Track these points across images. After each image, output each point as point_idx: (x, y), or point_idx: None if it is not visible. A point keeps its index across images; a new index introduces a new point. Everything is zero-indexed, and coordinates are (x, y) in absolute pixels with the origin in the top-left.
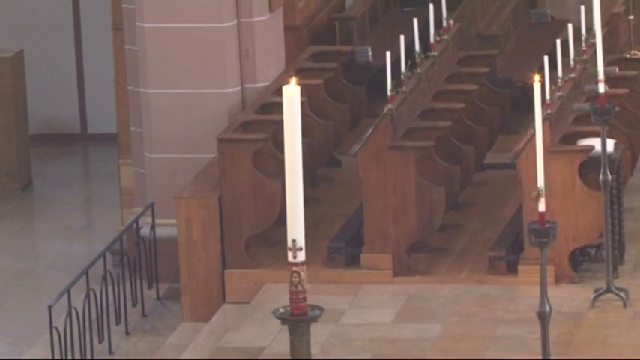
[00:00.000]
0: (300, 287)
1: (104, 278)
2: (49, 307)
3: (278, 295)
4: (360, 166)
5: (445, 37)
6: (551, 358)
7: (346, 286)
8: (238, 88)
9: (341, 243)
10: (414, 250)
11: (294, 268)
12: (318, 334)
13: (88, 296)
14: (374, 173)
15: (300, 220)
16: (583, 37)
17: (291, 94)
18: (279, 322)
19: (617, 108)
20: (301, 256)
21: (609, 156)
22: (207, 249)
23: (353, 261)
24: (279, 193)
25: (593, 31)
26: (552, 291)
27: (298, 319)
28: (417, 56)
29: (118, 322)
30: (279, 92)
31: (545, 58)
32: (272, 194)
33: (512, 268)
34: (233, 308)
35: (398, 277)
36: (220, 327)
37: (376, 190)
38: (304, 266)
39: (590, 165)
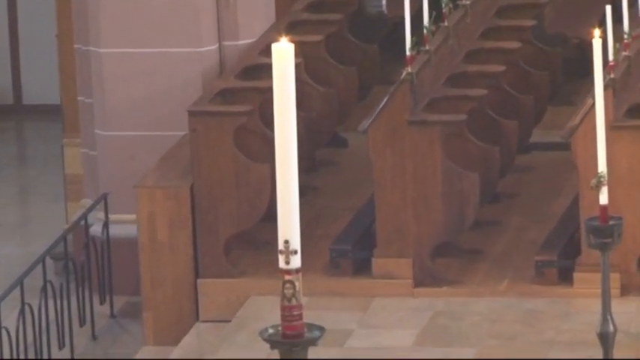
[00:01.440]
0: (294, 301)
1: (43, 290)
2: None
3: (266, 312)
4: (371, 147)
5: None
6: None
7: (354, 300)
8: (215, 46)
9: (347, 245)
10: (441, 254)
11: (287, 277)
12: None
13: (22, 313)
14: (389, 155)
15: (294, 215)
16: None
17: (283, 54)
18: (267, 345)
19: None
20: (296, 261)
21: None
22: (176, 252)
23: (362, 268)
24: (267, 181)
25: None
26: (617, 306)
27: (292, 342)
28: (443, 5)
29: (61, 347)
30: (267, 52)
31: (608, 8)
32: (259, 182)
33: (565, 277)
34: (209, 328)
35: (420, 289)
36: (193, 352)
37: (392, 177)
38: (300, 274)
39: None
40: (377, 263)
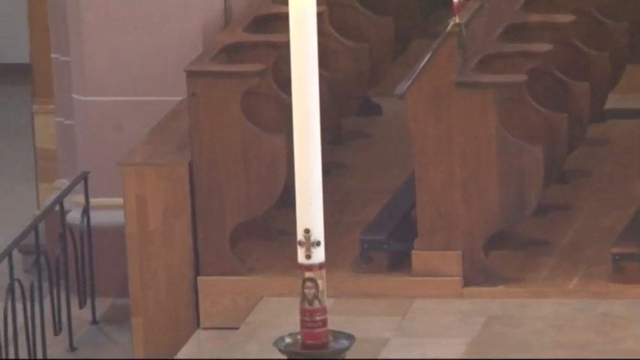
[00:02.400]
0: (317, 304)
1: (10, 290)
2: None
3: (282, 317)
4: (410, 115)
5: None
6: None
7: (390, 303)
8: None
9: (381, 235)
10: (496, 246)
11: (309, 274)
12: None
13: None
14: (432, 126)
15: (316, 199)
16: None
17: (302, 0)
18: (283, 358)
19: None
20: (319, 255)
21: None
22: (171, 245)
23: (400, 263)
24: (283, 156)
25: None
26: None
27: (315, 354)
28: None
29: (32, 358)
30: None
31: None
32: (272, 159)
33: None
34: (212, 337)
35: (470, 288)
36: None
37: (435, 151)
38: (324, 271)
39: None
40: (418, 257)
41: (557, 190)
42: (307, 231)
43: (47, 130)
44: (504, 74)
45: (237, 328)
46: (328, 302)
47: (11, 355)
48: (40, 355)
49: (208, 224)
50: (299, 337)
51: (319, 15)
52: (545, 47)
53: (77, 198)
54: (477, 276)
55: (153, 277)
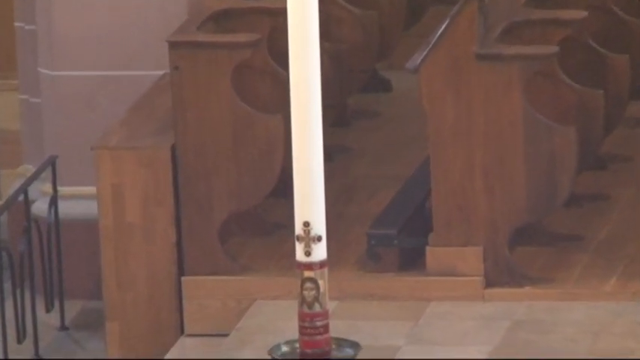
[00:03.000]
0: (317, 307)
1: None
2: None
3: (278, 322)
4: (425, 92)
5: None
6: None
7: (401, 306)
8: None
9: (391, 228)
10: (523, 241)
11: (308, 274)
12: None
13: None
14: (449, 104)
15: (317, 187)
16: None
17: None
18: None
19: None
20: (320, 251)
21: None
22: (151, 240)
23: (412, 261)
24: (280, 139)
25: None
26: None
27: None
28: None
29: None
30: None
31: None
32: (267, 142)
33: None
34: (198, 345)
35: (493, 290)
36: None
37: (454, 133)
38: (326, 270)
39: None
40: (433, 254)
41: (592, 178)
42: (307, 224)
43: (10, 109)
44: (532, 45)
45: (227, 335)
46: (330, 305)
47: None
48: None
49: (194, 216)
50: (297, 345)
51: None
52: (579, 14)
53: (44, 186)
54: (500, 275)
55: (131, 277)
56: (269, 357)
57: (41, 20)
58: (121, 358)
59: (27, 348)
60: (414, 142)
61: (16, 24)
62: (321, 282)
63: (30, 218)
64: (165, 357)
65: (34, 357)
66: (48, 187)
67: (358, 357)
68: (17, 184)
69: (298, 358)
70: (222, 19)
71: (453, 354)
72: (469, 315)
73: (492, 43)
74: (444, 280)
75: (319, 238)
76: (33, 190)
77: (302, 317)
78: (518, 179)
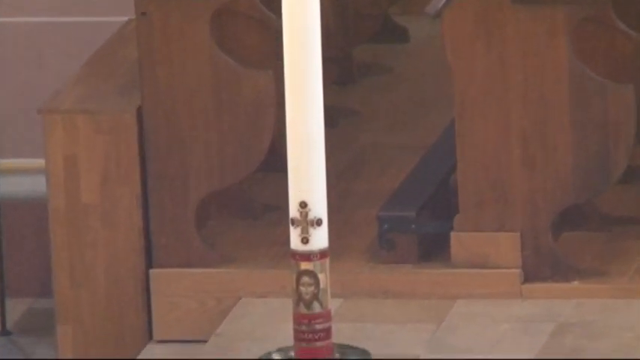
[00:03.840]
0: (317, 307)
1: None
2: None
3: (268, 326)
4: (448, 42)
5: None
6: None
7: (420, 305)
8: None
9: (407, 210)
10: (570, 226)
11: (306, 266)
12: None
13: None
14: (479, 56)
15: (316, 160)
16: None
17: None
18: None
19: None
20: (320, 238)
21: None
22: (113, 225)
23: (434, 249)
24: (270, 100)
25: None
26: None
27: None
28: None
29: None
30: None
31: None
32: (255, 104)
33: None
34: (170, 353)
35: (533, 285)
36: None
37: (484, 93)
38: (327, 261)
39: None
40: (459, 241)
41: None
42: (304, 205)
43: None
44: None
45: (204, 342)
46: (333, 305)
47: None
48: None
49: (165, 196)
50: (292, 354)
51: None
52: None
53: None
54: (542, 267)
55: (87, 271)
56: None
57: None
58: None
59: None
60: (435, 104)
61: None
62: (321, 276)
63: None
64: None
65: None
66: None
67: None
68: None
69: None
70: None
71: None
72: (503, 316)
73: None
74: (472, 273)
75: (319, 222)
76: None
77: (298, 319)
78: (564, 150)
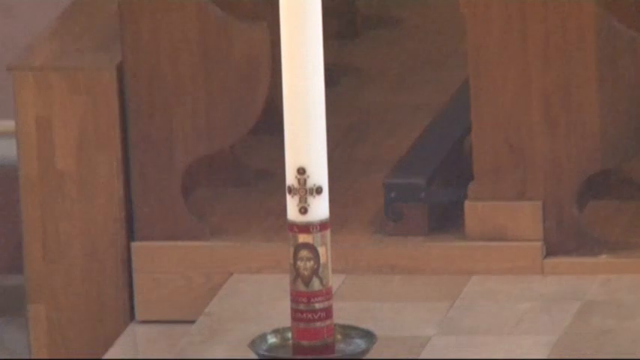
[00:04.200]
0: (317, 284)
1: None
2: None
3: (262, 304)
4: None
5: None
6: None
7: (430, 282)
8: None
9: (416, 177)
10: (597, 194)
11: (304, 239)
12: None
13: None
14: (495, 6)
15: (315, 122)
16: None
17: None
18: None
19: None
20: (320, 208)
21: None
22: (91, 194)
23: (445, 220)
24: (265, 55)
25: None
26: None
27: None
28: None
29: None
30: None
31: None
32: (248, 59)
33: None
34: (154, 335)
35: (556, 259)
36: None
37: (501, 46)
38: (328, 233)
39: None
40: (474, 212)
41: None
42: (302, 171)
43: None
44: None
45: (192, 322)
46: (335, 281)
47: None
48: None
49: (148, 162)
50: (289, 335)
51: None
52: None
53: None
54: (566, 240)
55: (62, 244)
56: (250, 352)
57: None
58: (48, 352)
59: None
60: (447, 60)
61: None
62: (321, 249)
63: None
64: (106, 357)
65: None
66: None
67: (371, 356)
68: None
69: (291, 353)
70: None
71: (501, 347)
72: (524, 294)
73: None
74: (489, 246)
75: (319, 190)
76: None
77: (296, 298)
78: (590, 110)
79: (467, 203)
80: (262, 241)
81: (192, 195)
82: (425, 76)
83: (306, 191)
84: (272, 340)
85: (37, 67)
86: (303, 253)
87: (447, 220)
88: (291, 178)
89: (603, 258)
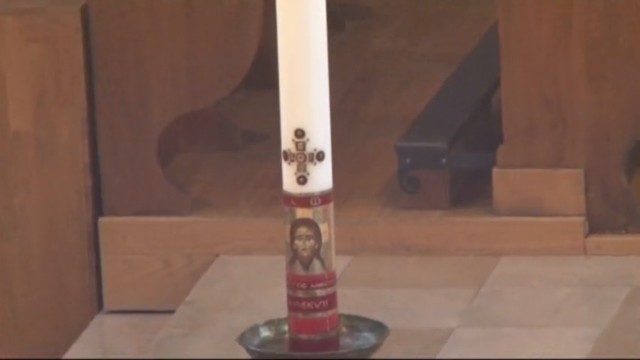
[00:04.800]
0: (317, 267)
1: None
2: None
3: (252, 291)
4: None
5: None
6: None
7: (454, 265)
8: None
9: (435, 139)
10: None
11: (303, 213)
12: None
13: None
14: None
15: (316, 75)
16: None
17: None
18: None
19: None
20: (322, 177)
21: None
22: (51, 159)
23: (470, 191)
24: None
25: None
26: None
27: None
28: None
29: None
30: None
31: None
32: (237, 2)
33: None
34: (125, 327)
35: (601, 238)
36: None
37: None
38: (331, 207)
39: None
40: (504, 180)
41: None
42: (300, 133)
43: None
44: None
45: (171, 312)
46: (339, 264)
47: None
48: None
49: (119, 122)
50: (285, 327)
51: None
52: None
53: None
54: (612, 215)
55: (17, 219)
56: (239, 347)
57: None
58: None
59: None
60: (471, 1)
61: None
62: (323, 226)
63: None
64: (68, 355)
65: None
66: None
67: (383, 352)
68: None
69: (287, 349)
70: None
71: (535, 342)
72: (562, 278)
73: None
74: (521, 222)
75: (320, 156)
76: None
77: (293, 283)
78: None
79: (495, 171)
80: (252, 216)
81: (171, 162)
82: (445, 20)
83: (305, 157)
84: (265, 333)
85: None
86: (302, 230)
87: (471, 191)
88: (287, 142)
89: None
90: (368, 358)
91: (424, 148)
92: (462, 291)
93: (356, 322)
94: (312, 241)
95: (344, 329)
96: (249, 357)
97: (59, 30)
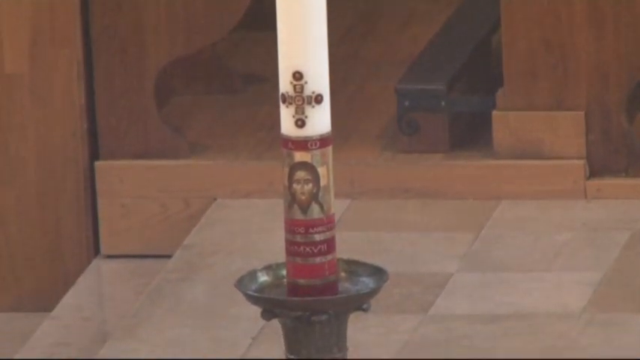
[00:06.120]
0: (316, 212)
1: None
2: None
3: (250, 235)
4: None
5: None
6: None
7: (454, 208)
8: None
9: (434, 81)
10: None
11: (301, 157)
12: (380, 344)
13: None
14: None
15: (315, 14)
16: None
17: None
18: (254, 311)
19: None
20: (321, 120)
21: None
22: (46, 101)
23: (469, 134)
24: None
25: None
26: None
27: (312, 306)
28: None
29: None
30: None
31: None
32: None
33: None
34: (121, 272)
35: (602, 181)
36: (85, 332)
37: None
38: (329, 150)
39: None
40: (504, 123)
41: None
42: (298, 76)
43: None
44: None
45: (169, 257)
46: (338, 207)
47: None
48: None
49: (115, 63)
50: (283, 272)
51: None
52: None
53: None
54: (613, 157)
55: (12, 163)
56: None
57: None
58: None
59: None
60: None
61: None
62: (321, 170)
63: None
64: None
65: None
66: None
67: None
68: None
69: (286, 294)
70: None
71: (535, 286)
72: (563, 222)
73: None
74: (521, 165)
75: (319, 99)
76: None
77: (292, 228)
78: None
79: (495, 113)
80: (251, 159)
81: (168, 104)
82: None
83: (303, 100)
84: (263, 278)
85: None
86: (300, 174)
87: (471, 133)
88: (285, 85)
89: None
90: (368, 302)
91: (423, 90)
92: (461, 235)
93: (355, 267)
94: (310, 185)
95: (343, 274)
96: (250, 307)
97: None
